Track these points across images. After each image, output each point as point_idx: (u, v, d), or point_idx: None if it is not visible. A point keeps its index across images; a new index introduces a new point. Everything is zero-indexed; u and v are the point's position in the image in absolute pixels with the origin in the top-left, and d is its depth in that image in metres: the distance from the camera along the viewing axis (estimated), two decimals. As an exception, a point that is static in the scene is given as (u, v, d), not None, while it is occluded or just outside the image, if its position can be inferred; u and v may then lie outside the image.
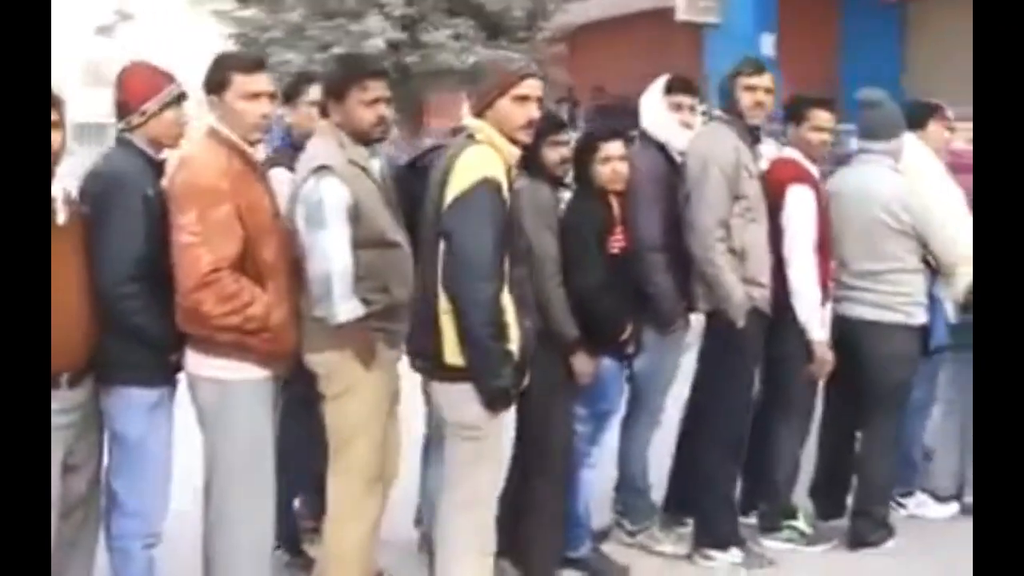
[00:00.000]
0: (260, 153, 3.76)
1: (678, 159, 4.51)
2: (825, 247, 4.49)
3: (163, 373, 3.55)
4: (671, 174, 4.49)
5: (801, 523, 4.70)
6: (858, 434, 4.83)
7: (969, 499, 4.98)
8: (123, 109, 3.56)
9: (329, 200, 3.51)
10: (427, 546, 4.03)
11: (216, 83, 3.53)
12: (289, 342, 3.56)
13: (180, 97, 3.65)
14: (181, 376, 3.60)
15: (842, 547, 4.70)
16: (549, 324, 3.95)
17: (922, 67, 14.42)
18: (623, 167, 4.28)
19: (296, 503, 4.44)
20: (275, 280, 3.51)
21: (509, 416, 3.47)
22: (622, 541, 4.72)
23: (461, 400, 3.39)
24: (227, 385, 3.47)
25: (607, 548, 4.62)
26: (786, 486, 4.72)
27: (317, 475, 3.95)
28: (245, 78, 3.51)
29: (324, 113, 3.77)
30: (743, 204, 4.36)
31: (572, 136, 4.41)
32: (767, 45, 13.46)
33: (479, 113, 3.46)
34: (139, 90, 3.56)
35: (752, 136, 4.49)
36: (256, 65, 3.61)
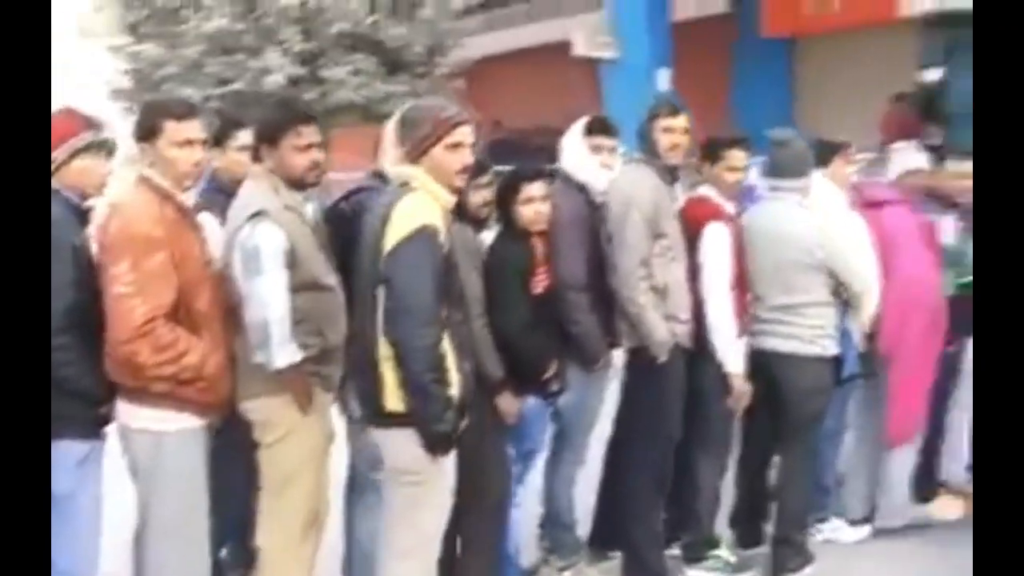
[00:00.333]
0: (188, 199, 3.74)
1: (599, 200, 4.61)
2: (742, 282, 4.63)
3: (93, 426, 3.51)
4: (592, 214, 4.58)
5: (725, 552, 4.80)
6: (775, 463, 4.98)
7: (880, 522, 5.17)
8: None
9: (266, 246, 3.52)
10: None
11: (147, 130, 3.51)
12: (224, 390, 3.55)
13: (101, 144, 3.62)
14: (110, 428, 3.56)
15: (764, 575, 4.82)
16: (476, 365, 4.00)
17: (811, 102, 14.91)
18: (545, 207, 4.36)
19: (223, 552, 4.39)
20: (209, 328, 3.50)
21: (449, 460, 3.48)
22: (551, 577, 4.78)
23: (402, 445, 3.40)
24: (161, 436, 3.44)
25: (537, 585, 4.67)
26: (708, 516, 4.82)
27: (244, 524, 3.93)
28: (177, 125, 3.50)
29: (256, 158, 3.77)
30: (663, 243, 4.48)
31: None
32: (663, 80, 13.74)
33: (414, 160, 3.49)
34: (53, 137, 3.49)
35: (670, 176, 4.62)
36: (188, 112, 3.59)
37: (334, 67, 12.89)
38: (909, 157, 5.47)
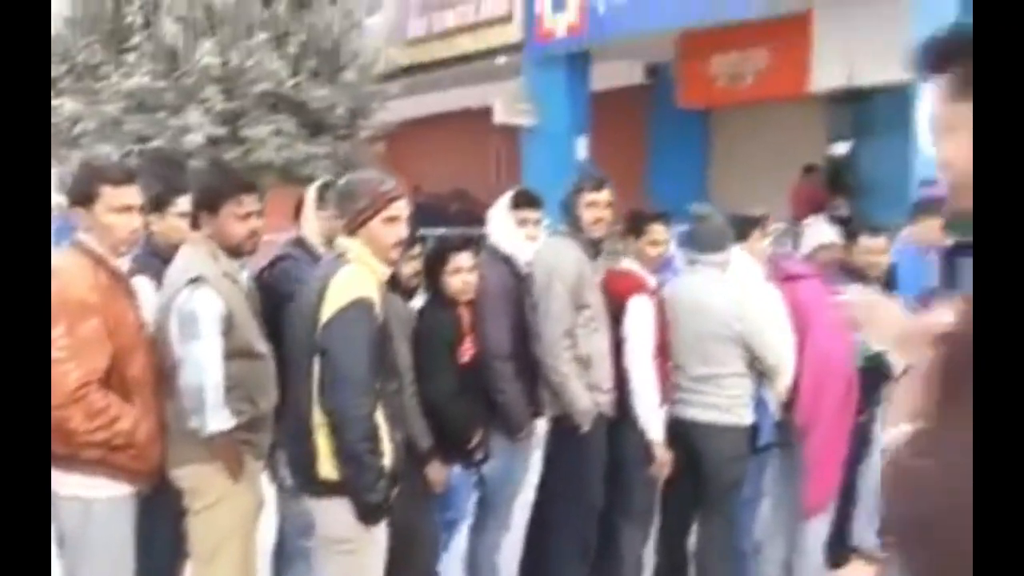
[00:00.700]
0: (123, 264, 3.76)
1: (524, 271, 4.72)
2: (664, 352, 4.76)
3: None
4: (518, 285, 4.69)
5: (646, 617, 4.89)
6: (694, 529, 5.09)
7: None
8: None
9: (204, 311, 3.56)
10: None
11: (83, 195, 3.52)
12: (155, 457, 3.56)
13: None
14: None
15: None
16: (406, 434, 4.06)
17: (723, 172, 15.33)
18: (473, 278, 4.47)
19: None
20: (141, 394, 3.51)
21: (381, 529, 3.53)
22: (473, 645, 4.81)
23: (335, 514, 3.44)
24: (91, 504, 3.43)
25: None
26: (631, 583, 4.90)
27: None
28: (115, 191, 3.50)
29: (195, 224, 3.81)
30: (586, 314, 4.60)
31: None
32: (581, 148, 14.04)
33: (351, 232, 3.56)
34: None
35: (594, 249, 4.75)
36: (126, 178, 3.59)
37: (255, 127, 12.88)
38: (821, 232, 5.66)
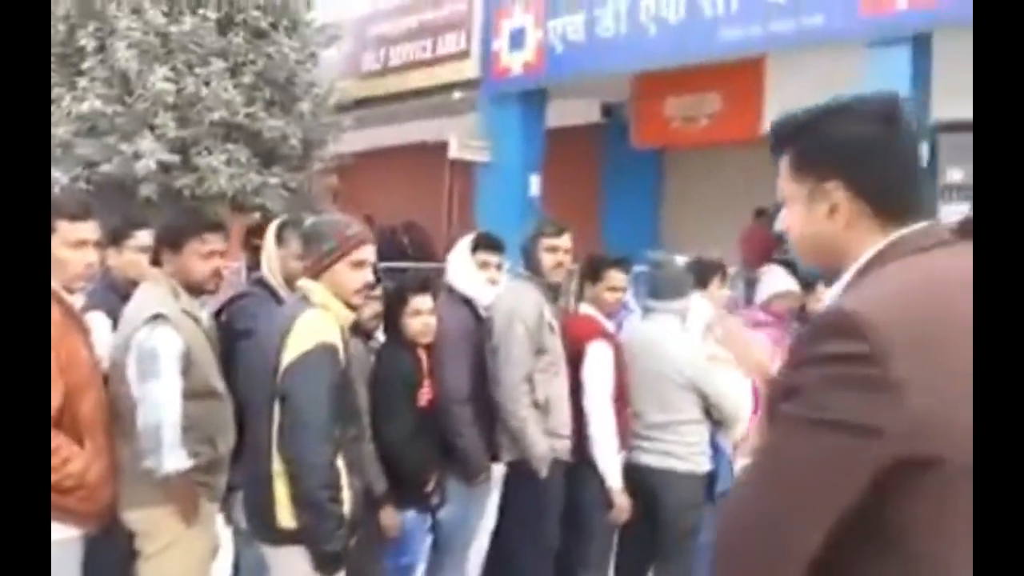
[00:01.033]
0: (77, 300, 3.68)
1: (484, 314, 4.70)
2: (622, 398, 4.75)
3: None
4: (477, 328, 4.67)
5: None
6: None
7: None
8: None
9: (164, 350, 3.50)
10: None
11: None
12: (105, 499, 3.47)
13: None
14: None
15: None
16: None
17: (676, 212, 15.42)
18: (432, 320, 4.44)
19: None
20: (92, 435, 3.41)
21: (338, 578, 3.46)
22: None
23: (292, 563, 3.37)
24: (38, 547, 3.32)
25: None
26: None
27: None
28: (71, 225, 3.40)
29: (156, 261, 3.75)
30: (545, 359, 4.59)
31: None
32: (534, 185, 14.03)
33: (315, 275, 3.51)
34: None
35: (553, 293, 4.75)
36: (83, 212, 3.48)
37: (208, 156, 12.74)
38: (777, 280, 5.71)
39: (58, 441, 3.27)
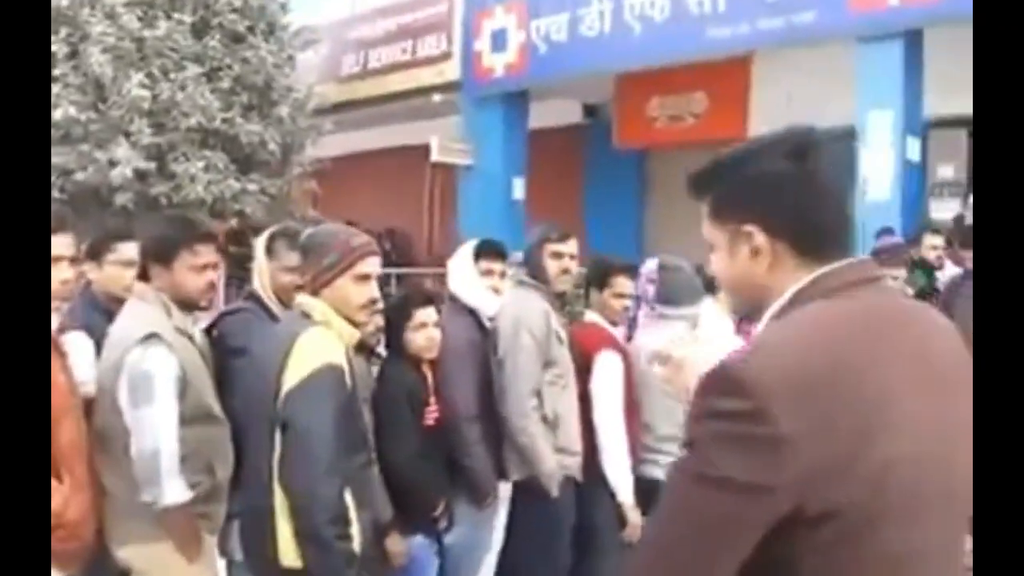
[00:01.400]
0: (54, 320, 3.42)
1: (488, 325, 4.48)
2: (632, 409, 4.54)
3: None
4: (482, 340, 4.44)
5: None
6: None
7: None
8: None
9: (159, 372, 3.27)
10: None
11: None
12: (86, 537, 3.20)
13: None
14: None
15: None
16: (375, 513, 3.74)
17: (659, 213, 15.24)
18: (437, 333, 4.20)
19: None
20: (71, 468, 3.12)
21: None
22: None
23: (295, 604, 3.09)
24: (16, 592, 3.07)
25: None
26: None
27: None
28: None
29: (143, 275, 3.50)
30: (554, 371, 4.37)
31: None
32: (517, 188, 13.86)
33: (315, 290, 3.25)
34: None
35: (560, 301, 4.53)
36: (57, 225, 3.20)
37: (185, 162, 12.45)
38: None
39: (35, 476, 3.02)
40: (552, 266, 4.49)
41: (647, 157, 15.53)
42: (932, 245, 7.62)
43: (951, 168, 11.43)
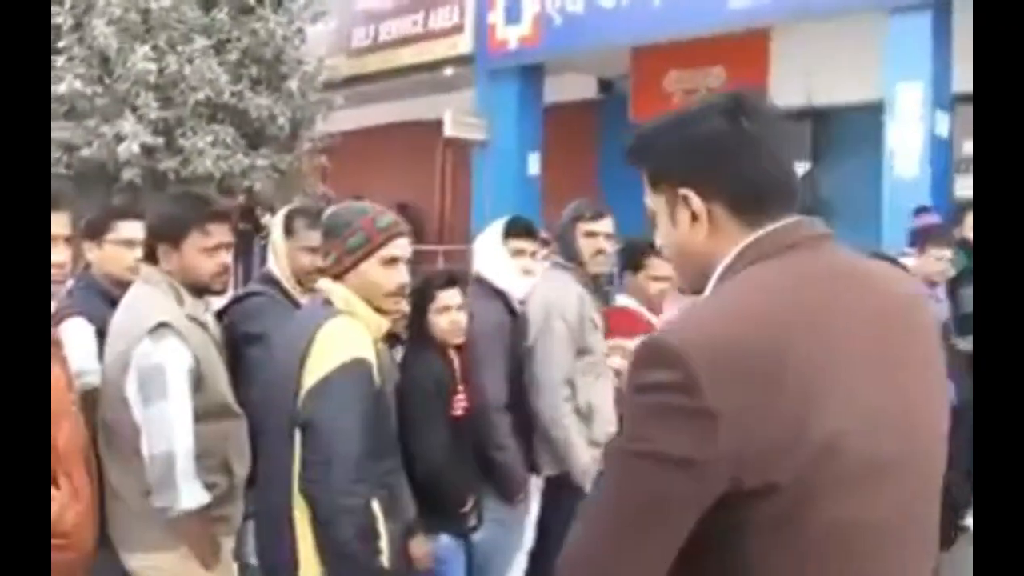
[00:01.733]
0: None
1: (518, 308, 4.20)
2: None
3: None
4: (512, 325, 4.17)
5: None
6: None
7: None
8: None
9: (171, 365, 2.99)
10: None
11: None
12: (86, 546, 2.87)
13: None
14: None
15: None
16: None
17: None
18: (462, 317, 3.90)
19: None
20: (68, 471, 2.78)
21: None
22: None
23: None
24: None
25: None
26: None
27: None
28: None
29: (151, 257, 3.22)
30: (588, 359, 4.09)
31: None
32: (533, 164, 13.60)
33: (338, 275, 2.95)
34: None
35: (594, 284, 4.25)
36: (51, 203, 2.98)
37: (193, 137, 12.19)
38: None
39: (27, 483, 2.74)
40: (586, 246, 4.21)
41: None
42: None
43: (977, 143, 11.15)
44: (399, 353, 3.90)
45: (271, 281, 3.80)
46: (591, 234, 4.23)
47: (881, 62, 10.07)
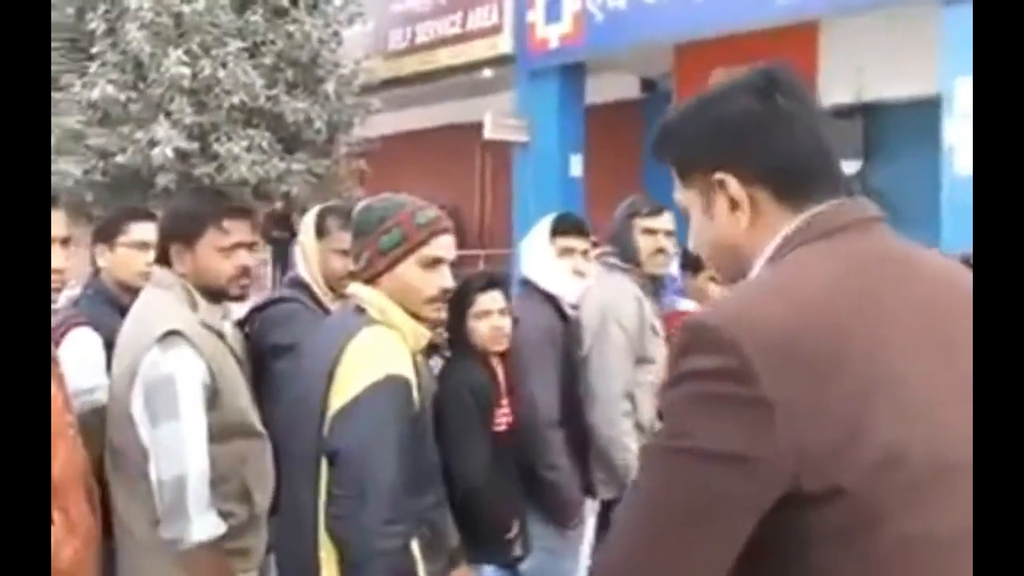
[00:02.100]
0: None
1: (571, 313, 3.84)
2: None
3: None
4: (564, 331, 3.81)
5: None
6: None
7: None
8: None
9: (183, 378, 2.64)
10: None
11: None
12: None
13: None
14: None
15: None
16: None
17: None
18: (505, 322, 3.54)
19: None
20: (65, 503, 2.45)
21: None
22: None
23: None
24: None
25: None
26: None
27: None
28: None
29: (164, 259, 2.89)
30: (649, 369, 3.72)
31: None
32: (575, 165, 13.30)
33: (371, 278, 2.59)
34: None
35: (654, 287, 3.88)
36: None
37: (228, 142, 11.97)
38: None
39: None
40: (644, 245, 3.85)
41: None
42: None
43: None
44: (437, 364, 3.54)
45: (301, 286, 3.46)
46: (649, 231, 3.86)
47: (936, 55, 9.69)
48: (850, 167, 13.55)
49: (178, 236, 2.87)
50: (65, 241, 2.56)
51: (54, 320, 2.80)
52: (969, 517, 1.30)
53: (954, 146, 9.65)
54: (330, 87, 12.93)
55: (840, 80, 11.46)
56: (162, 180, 11.65)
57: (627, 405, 3.65)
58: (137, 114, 11.82)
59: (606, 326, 3.68)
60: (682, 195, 1.59)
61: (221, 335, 2.85)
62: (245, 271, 2.91)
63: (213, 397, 2.72)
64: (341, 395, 2.37)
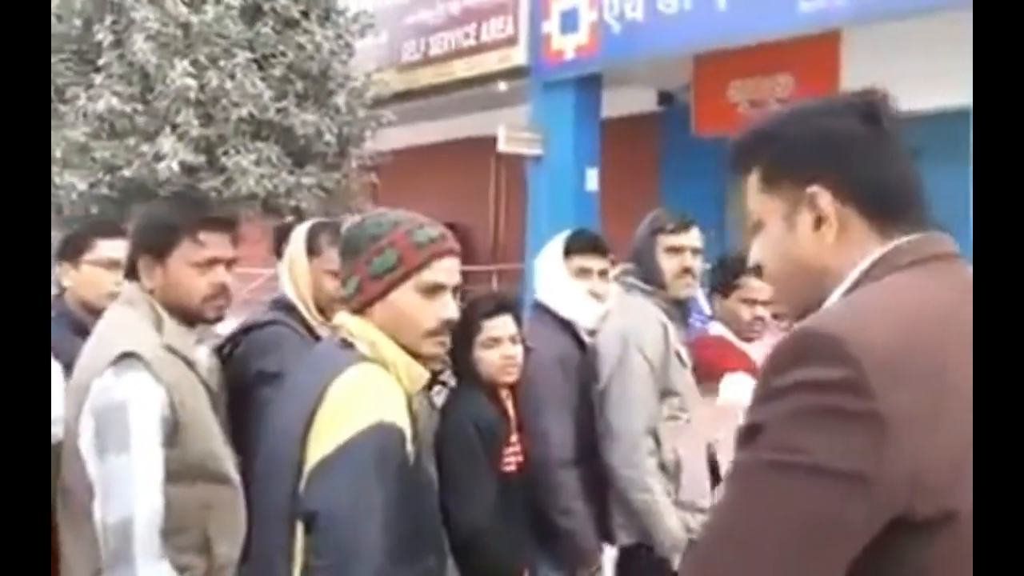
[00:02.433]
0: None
1: (588, 340, 3.51)
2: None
3: None
4: (582, 360, 3.47)
5: None
6: None
7: None
8: None
9: (136, 406, 2.32)
10: None
11: None
12: None
13: None
14: None
15: None
16: None
17: (739, 202, 14.27)
18: (515, 350, 3.21)
19: None
20: None
21: None
22: None
23: None
24: None
25: None
26: None
27: None
28: None
29: (132, 274, 2.57)
30: (674, 403, 3.39)
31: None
32: (591, 179, 13.04)
33: (361, 306, 2.24)
34: None
35: (680, 312, 3.54)
36: None
37: (235, 155, 11.70)
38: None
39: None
40: (668, 265, 3.51)
41: (724, 142, 14.53)
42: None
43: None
44: (440, 398, 3.20)
45: (286, 308, 3.14)
46: (675, 250, 3.52)
47: (962, 65, 9.35)
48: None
49: (148, 247, 2.56)
50: None
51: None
52: None
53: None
54: (341, 99, 12.72)
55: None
56: (167, 194, 11.38)
57: (650, 443, 3.31)
58: (143, 127, 11.58)
59: (627, 355, 3.34)
60: (760, 204, 1.54)
61: (190, 362, 2.53)
62: (222, 290, 2.59)
63: (173, 432, 2.40)
64: (320, 447, 2.01)
